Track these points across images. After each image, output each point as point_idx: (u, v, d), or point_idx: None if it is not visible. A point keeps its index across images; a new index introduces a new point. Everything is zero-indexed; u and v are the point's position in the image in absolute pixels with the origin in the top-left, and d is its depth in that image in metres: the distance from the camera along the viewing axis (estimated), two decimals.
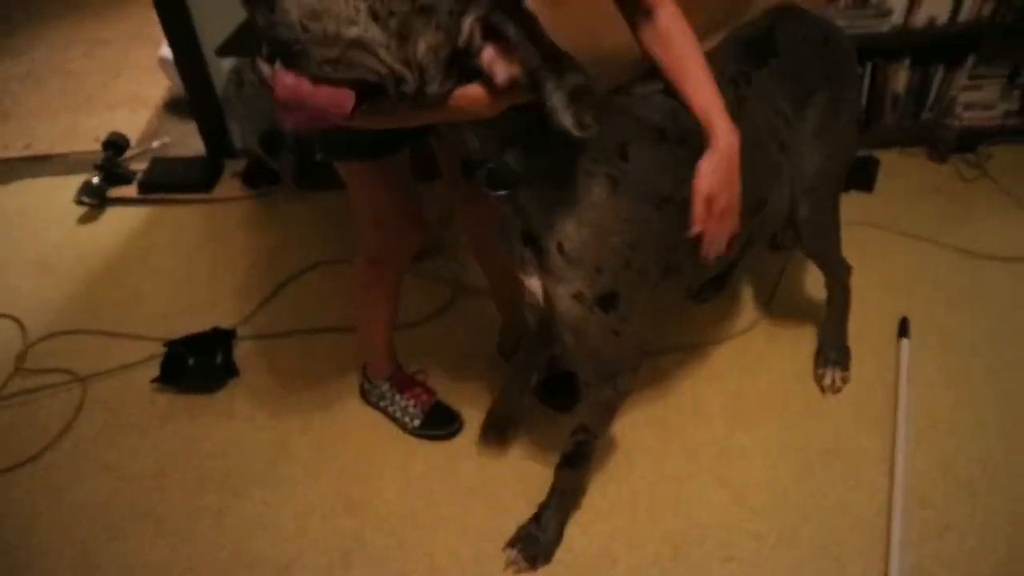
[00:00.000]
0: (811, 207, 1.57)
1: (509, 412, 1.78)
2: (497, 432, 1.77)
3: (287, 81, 0.88)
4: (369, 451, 1.78)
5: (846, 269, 1.85)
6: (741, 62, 1.39)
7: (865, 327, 1.98)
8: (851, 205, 2.37)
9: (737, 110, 1.27)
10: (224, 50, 2.22)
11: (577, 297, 1.21)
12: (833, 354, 1.91)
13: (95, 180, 2.61)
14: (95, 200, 2.58)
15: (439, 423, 1.78)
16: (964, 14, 2.39)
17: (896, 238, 2.28)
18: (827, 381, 1.88)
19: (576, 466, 1.52)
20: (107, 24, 3.65)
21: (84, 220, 2.58)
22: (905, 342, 1.95)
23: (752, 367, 1.92)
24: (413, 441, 1.79)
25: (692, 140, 1.21)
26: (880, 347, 1.96)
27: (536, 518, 1.57)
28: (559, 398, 1.81)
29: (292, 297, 2.21)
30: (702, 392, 1.87)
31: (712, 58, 1.25)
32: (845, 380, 1.89)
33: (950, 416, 1.79)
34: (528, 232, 1.21)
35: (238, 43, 2.21)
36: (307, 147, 2.50)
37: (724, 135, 1.17)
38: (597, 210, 1.17)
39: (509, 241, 1.27)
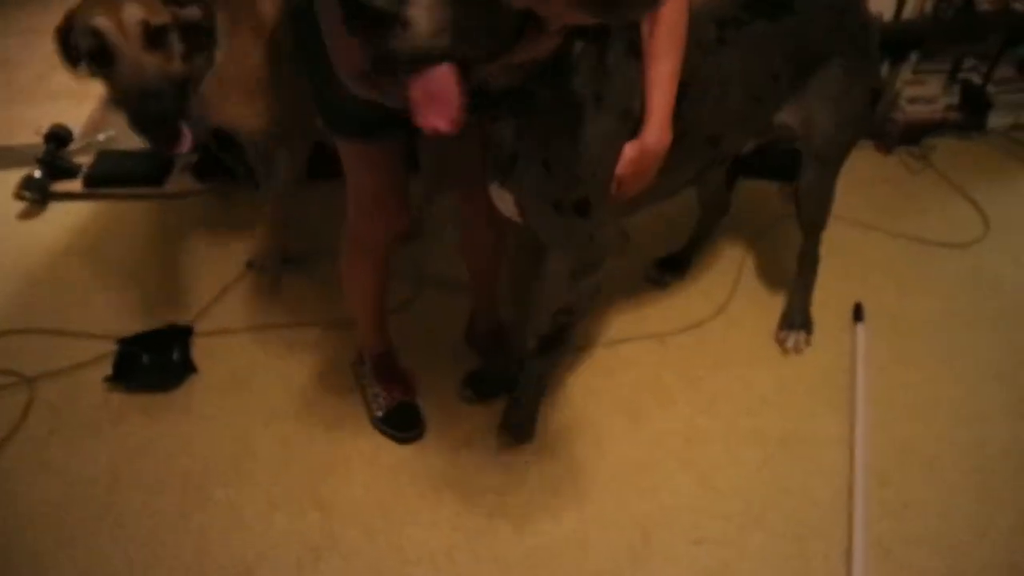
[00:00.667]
0: (817, 172, 1.67)
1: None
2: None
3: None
4: (335, 445, 1.75)
5: (817, 249, 1.93)
6: (743, 9, 1.43)
7: (821, 314, 2.03)
8: None
9: (712, 49, 1.37)
10: None
11: (556, 206, 1.30)
12: (799, 318, 1.98)
13: (36, 174, 2.50)
14: (37, 195, 2.47)
15: (398, 424, 1.75)
16: (908, 11, 2.47)
17: (848, 227, 2.34)
18: (790, 343, 1.96)
19: (555, 349, 1.58)
20: (49, 12, 3.50)
21: (25, 216, 2.47)
22: (860, 326, 2.01)
23: (714, 354, 1.95)
24: (380, 433, 1.77)
25: None
26: (837, 333, 2.01)
27: (514, 404, 1.71)
28: (486, 390, 1.83)
29: (249, 291, 2.16)
30: (666, 379, 1.89)
31: None
32: (808, 343, 1.96)
33: (906, 397, 1.85)
34: (514, 154, 1.27)
35: None
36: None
37: (655, 134, 1.26)
38: (582, 126, 1.23)
39: (497, 167, 1.32)
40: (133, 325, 1.99)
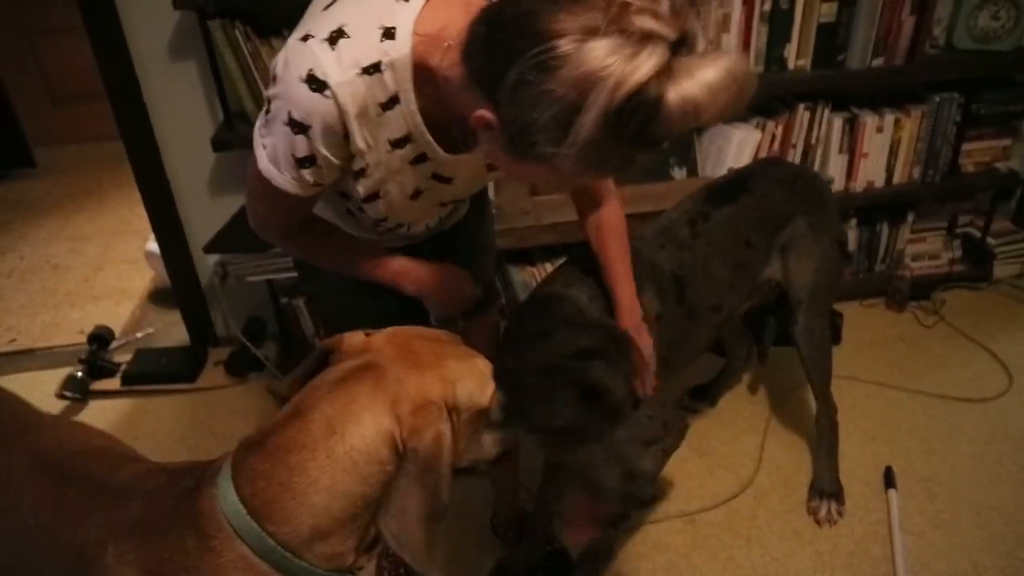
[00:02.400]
0: (806, 317, 1.80)
1: None
2: None
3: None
4: None
5: (834, 405, 1.96)
6: (704, 204, 1.68)
7: (850, 481, 2.01)
8: None
9: (690, 244, 1.61)
10: (211, 248, 2.33)
11: None
12: (827, 486, 1.96)
13: (78, 374, 2.62)
14: (77, 394, 2.58)
15: None
16: (897, 178, 2.61)
17: (868, 388, 2.36)
18: (823, 513, 1.93)
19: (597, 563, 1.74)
20: (89, 219, 3.80)
21: (66, 414, 2.56)
22: (892, 493, 1.98)
23: (745, 532, 1.92)
24: None
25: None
26: (868, 500, 1.98)
27: None
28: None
29: None
30: (697, 561, 1.85)
31: (681, 202, 1.68)
32: (841, 513, 1.93)
33: (947, 566, 1.79)
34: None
35: (222, 242, 2.34)
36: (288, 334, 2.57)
37: (629, 319, 1.40)
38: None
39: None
40: None
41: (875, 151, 2.55)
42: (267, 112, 1.05)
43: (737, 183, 1.74)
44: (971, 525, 1.89)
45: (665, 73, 0.81)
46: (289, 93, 1.00)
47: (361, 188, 1.14)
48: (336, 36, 0.98)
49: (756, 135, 2.44)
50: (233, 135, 2.24)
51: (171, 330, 2.85)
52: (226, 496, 0.87)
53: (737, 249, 1.66)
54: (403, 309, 1.30)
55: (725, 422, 2.26)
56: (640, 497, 1.29)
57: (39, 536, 0.95)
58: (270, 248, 2.30)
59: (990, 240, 2.81)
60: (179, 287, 2.65)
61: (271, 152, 1.06)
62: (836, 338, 2.58)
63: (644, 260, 1.53)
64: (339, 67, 0.98)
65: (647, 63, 0.80)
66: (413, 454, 0.87)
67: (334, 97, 0.98)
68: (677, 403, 2.27)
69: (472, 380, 0.97)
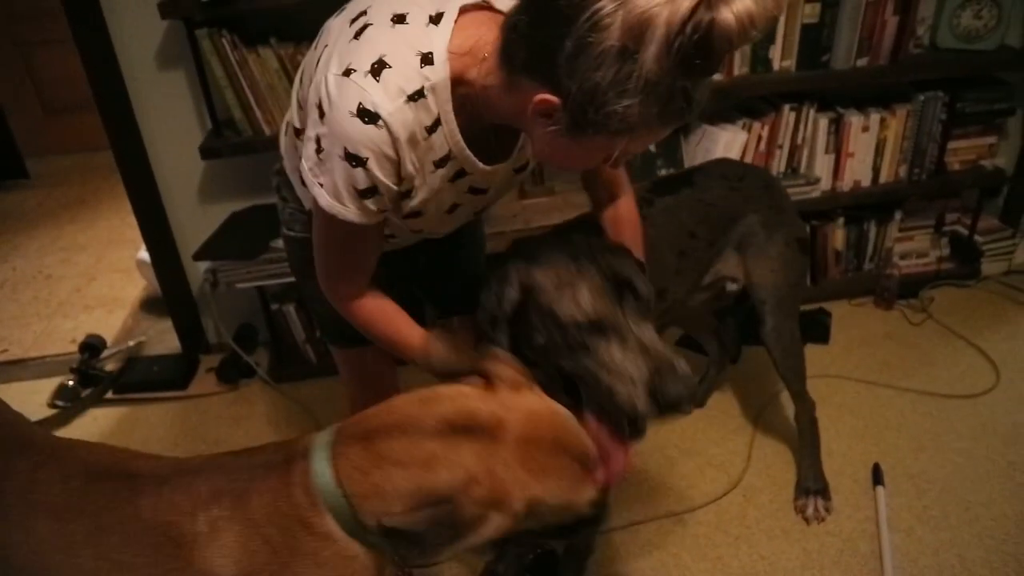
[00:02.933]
0: (772, 319, 1.80)
1: None
2: None
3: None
4: None
5: (812, 403, 1.97)
6: (648, 192, 1.68)
7: (839, 479, 2.02)
8: (809, 357, 2.45)
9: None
10: (200, 255, 2.34)
11: None
12: (813, 484, 1.97)
13: (70, 383, 2.63)
14: (69, 403, 2.58)
15: None
16: (884, 177, 2.62)
17: (856, 386, 2.37)
18: (809, 511, 1.94)
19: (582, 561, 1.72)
20: (82, 229, 3.82)
21: (57, 424, 2.56)
22: (880, 490, 1.99)
23: (734, 531, 1.92)
24: None
25: None
26: (857, 497, 1.99)
27: None
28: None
29: None
30: (686, 560, 1.85)
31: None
32: (827, 509, 1.94)
33: (935, 561, 1.80)
34: None
35: (212, 249, 2.35)
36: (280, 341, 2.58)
37: None
38: None
39: None
40: None
41: (861, 150, 2.57)
42: (318, 151, 1.07)
43: (681, 178, 1.76)
44: (959, 521, 1.90)
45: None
46: (341, 129, 1.03)
47: (405, 208, 1.18)
48: (378, 67, 1.02)
49: (742, 136, 2.45)
50: (222, 143, 2.25)
51: (163, 338, 2.86)
52: (322, 474, 0.94)
53: (681, 238, 1.67)
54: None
55: (715, 422, 2.27)
56: (671, 394, 1.11)
57: (123, 532, 0.98)
58: (260, 254, 2.31)
59: (977, 238, 2.82)
60: (170, 295, 2.66)
61: (331, 189, 1.09)
62: (825, 338, 2.60)
63: None
64: (387, 97, 1.01)
65: None
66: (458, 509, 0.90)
67: (387, 127, 1.02)
68: None
69: (567, 505, 0.98)
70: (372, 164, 1.05)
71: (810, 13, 2.34)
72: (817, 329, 2.60)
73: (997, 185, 2.85)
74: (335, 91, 1.03)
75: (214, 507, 0.96)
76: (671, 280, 1.65)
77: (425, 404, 0.97)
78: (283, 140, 1.41)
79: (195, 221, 2.50)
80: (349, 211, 1.10)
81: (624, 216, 1.41)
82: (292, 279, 1.78)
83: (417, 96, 1.04)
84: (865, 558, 1.82)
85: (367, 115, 1.01)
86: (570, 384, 1.18)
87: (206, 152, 2.25)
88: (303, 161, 1.12)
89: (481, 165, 1.16)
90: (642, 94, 0.90)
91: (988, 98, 2.58)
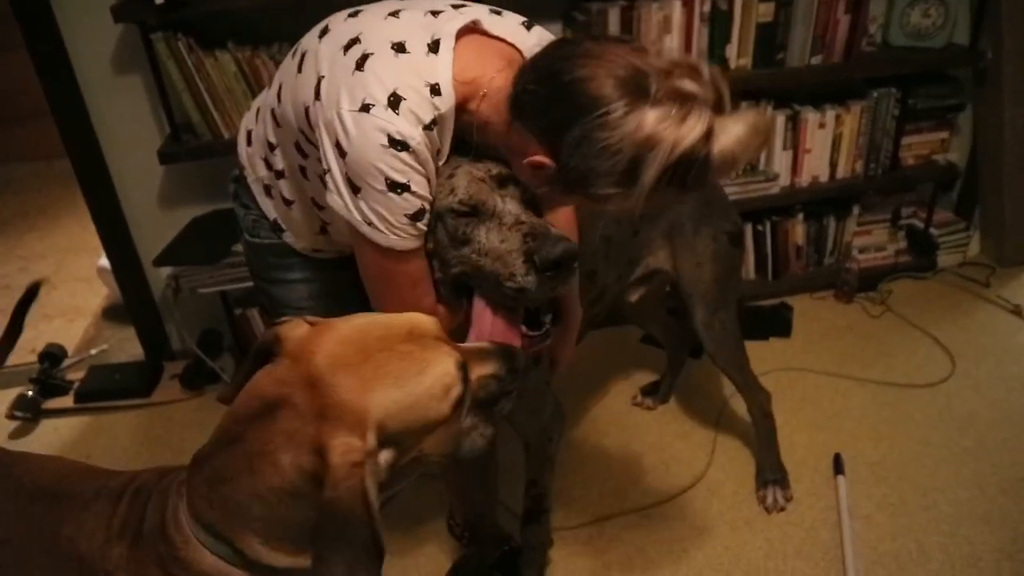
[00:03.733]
0: (701, 312, 1.81)
1: None
2: None
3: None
4: None
5: (764, 394, 1.98)
6: None
7: (800, 469, 2.05)
8: (772, 351, 2.54)
9: None
10: (161, 260, 2.32)
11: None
12: (771, 474, 2.00)
13: (29, 393, 2.58)
14: (28, 414, 2.54)
15: None
16: (841, 172, 2.67)
17: (817, 378, 2.41)
18: (769, 501, 1.97)
19: (538, 519, 1.70)
20: (41, 238, 3.75)
21: (16, 435, 2.52)
22: (841, 479, 2.02)
23: (699, 524, 1.95)
24: None
25: None
26: (818, 487, 2.02)
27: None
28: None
29: None
30: (652, 554, 1.87)
31: None
32: (787, 498, 1.97)
33: (894, 547, 1.84)
34: None
35: (173, 254, 2.33)
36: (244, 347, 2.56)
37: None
38: None
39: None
40: None
41: (818, 146, 2.61)
42: (355, 192, 1.10)
43: None
44: (916, 507, 1.94)
45: (711, 134, 0.98)
46: (376, 163, 1.07)
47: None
48: (395, 101, 1.07)
49: None
50: (180, 148, 2.23)
51: (125, 346, 2.82)
52: (180, 507, 0.91)
53: (607, 223, 1.67)
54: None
55: (678, 417, 2.30)
56: (547, 254, 1.08)
57: (46, 562, 0.94)
58: (222, 258, 2.30)
59: (933, 231, 2.89)
60: (132, 302, 2.63)
61: (383, 224, 1.11)
62: (787, 331, 2.64)
63: None
64: (410, 125, 1.07)
65: (696, 128, 0.97)
66: (331, 507, 0.79)
67: (417, 151, 1.08)
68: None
69: (425, 392, 0.86)
70: (414, 186, 1.09)
71: (764, 12, 2.38)
72: (779, 323, 2.65)
73: (951, 179, 2.92)
74: (354, 128, 1.06)
75: (122, 542, 0.91)
76: (600, 264, 1.67)
77: (229, 415, 0.91)
78: (243, 150, 1.39)
79: (156, 227, 2.47)
80: (409, 240, 1.13)
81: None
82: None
83: (432, 125, 1.10)
84: (826, 546, 1.86)
85: (398, 144, 1.06)
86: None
87: (165, 157, 2.23)
88: (338, 211, 1.13)
89: None
90: (638, 195, 1.02)
91: (939, 94, 2.65)
